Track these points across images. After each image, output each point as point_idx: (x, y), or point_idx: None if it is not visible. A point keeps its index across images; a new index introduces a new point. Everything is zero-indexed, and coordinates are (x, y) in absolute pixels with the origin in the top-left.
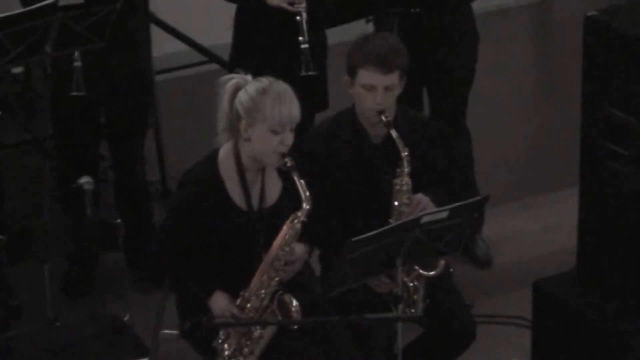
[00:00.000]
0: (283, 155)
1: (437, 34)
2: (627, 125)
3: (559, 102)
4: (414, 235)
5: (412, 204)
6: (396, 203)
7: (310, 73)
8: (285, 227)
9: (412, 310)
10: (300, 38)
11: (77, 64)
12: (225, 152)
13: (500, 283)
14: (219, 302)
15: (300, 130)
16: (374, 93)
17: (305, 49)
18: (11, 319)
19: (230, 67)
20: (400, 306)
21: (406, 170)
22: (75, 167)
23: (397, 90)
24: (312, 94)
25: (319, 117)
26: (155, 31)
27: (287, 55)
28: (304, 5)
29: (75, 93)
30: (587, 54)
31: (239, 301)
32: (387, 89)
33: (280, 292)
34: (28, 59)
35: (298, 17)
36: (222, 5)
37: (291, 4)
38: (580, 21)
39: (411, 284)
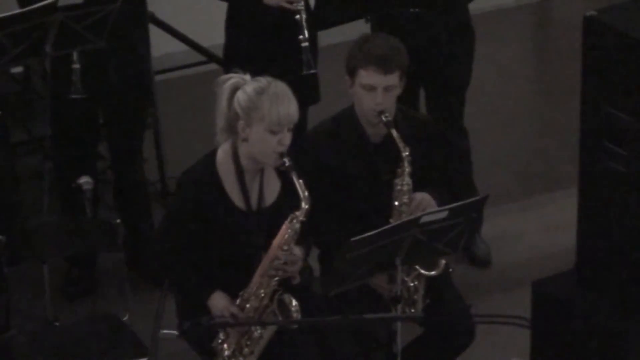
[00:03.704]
0: (281, 155)
1: (434, 34)
2: (627, 125)
3: (559, 102)
4: (414, 235)
5: (412, 204)
6: (396, 203)
7: (311, 72)
8: (284, 227)
9: (412, 310)
10: (300, 37)
11: (76, 66)
12: (223, 152)
13: (500, 283)
14: (218, 302)
15: (296, 125)
16: (374, 93)
17: (305, 47)
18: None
19: (225, 67)
20: (400, 306)
21: (407, 170)
22: (74, 167)
23: (397, 91)
24: (303, 88)
25: (318, 117)
26: (155, 31)
27: (283, 53)
28: (302, 3)
29: (74, 96)
30: (587, 54)
31: (238, 301)
32: (387, 89)
33: (280, 292)
34: (28, 59)
35: (297, 16)
36: (222, 5)
37: (290, 3)
38: (580, 21)
39: (411, 284)
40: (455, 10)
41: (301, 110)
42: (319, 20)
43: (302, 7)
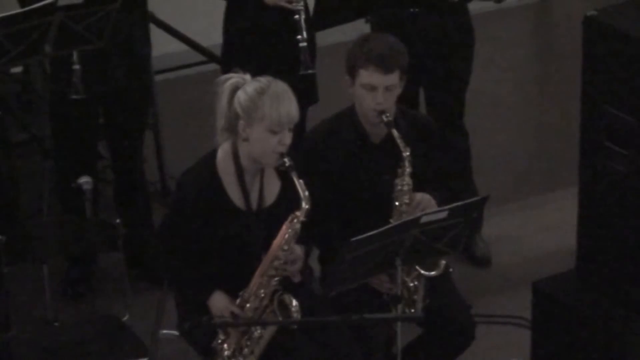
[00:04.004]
0: (282, 155)
1: (434, 34)
2: (627, 125)
3: (559, 102)
4: (414, 235)
5: (412, 204)
6: (397, 203)
7: (309, 72)
8: (284, 227)
9: (412, 310)
10: (299, 37)
11: (76, 67)
12: (223, 152)
13: (500, 283)
14: (219, 302)
15: (296, 126)
16: (375, 93)
17: (303, 47)
18: None
19: (223, 66)
20: (400, 306)
21: (407, 170)
22: (74, 167)
23: (398, 90)
24: (302, 89)
25: (318, 117)
26: (155, 31)
27: (280, 52)
28: (302, 3)
29: (74, 97)
30: (587, 53)
31: (238, 301)
32: (387, 89)
33: (280, 292)
34: (28, 58)
35: (296, 16)
36: (222, 5)
37: (289, 2)
38: (580, 21)
39: (411, 284)
40: (455, 11)
41: (300, 110)
42: (319, 20)
43: (302, 7)
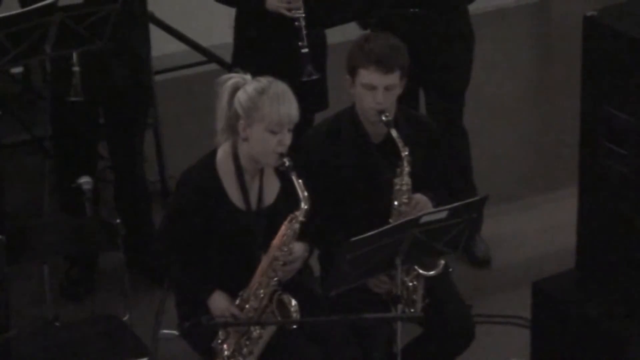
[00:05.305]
0: (281, 155)
1: (434, 34)
2: (627, 125)
3: (559, 102)
4: (413, 235)
5: (411, 204)
6: (396, 203)
7: (311, 78)
8: (283, 227)
9: (412, 310)
10: (300, 43)
11: (75, 68)
12: (223, 152)
13: (499, 283)
14: (218, 302)
15: (300, 130)
16: (375, 93)
17: (305, 53)
18: None
19: (231, 70)
20: (400, 306)
21: (406, 170)
22: (74, 167)
23: (398, 90)
24: (311, 94)
25: (318, 117)
26: (155, 31)
27: (288, 57)
28: (302, 11)
29: (73, 98)
30: (587, 54)
31: (238, 301)
32: (387, 88)
33: (279, 292)
34: (28, 59)
35: (297, 23)
36: (222, 6)
37: (289, 10)
38: (580, 21)
39: (410, 284)
40: (455, 11)
41: (308, 115)
42: (320, 20)
43: (301, 14)
